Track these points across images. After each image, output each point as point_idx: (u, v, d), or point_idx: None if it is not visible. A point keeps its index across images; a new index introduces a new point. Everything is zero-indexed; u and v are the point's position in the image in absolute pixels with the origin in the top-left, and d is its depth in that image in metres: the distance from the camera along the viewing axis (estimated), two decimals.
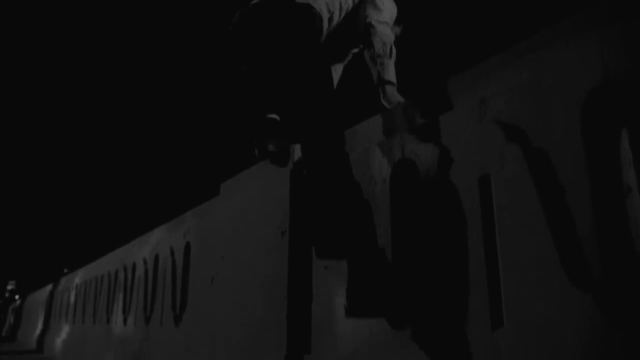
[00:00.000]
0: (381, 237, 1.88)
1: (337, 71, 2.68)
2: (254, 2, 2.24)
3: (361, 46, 2.52)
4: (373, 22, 2.32)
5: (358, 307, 1.82)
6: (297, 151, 2.37)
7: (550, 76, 1.43)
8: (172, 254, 3.81)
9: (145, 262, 4.46)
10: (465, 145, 1.61)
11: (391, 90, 2.28)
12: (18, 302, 15.86)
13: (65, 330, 7.38)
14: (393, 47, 2.36)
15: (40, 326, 9.83)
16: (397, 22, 2.56)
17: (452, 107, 1.71)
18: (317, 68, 2.08)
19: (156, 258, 4.18)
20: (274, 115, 2.35)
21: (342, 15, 2.34)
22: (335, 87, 2.52)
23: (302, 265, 2.24)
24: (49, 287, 9.96)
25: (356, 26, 2.38)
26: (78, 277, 7.44)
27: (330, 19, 2.28)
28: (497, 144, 1.50)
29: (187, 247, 3.60)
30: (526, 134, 1.44)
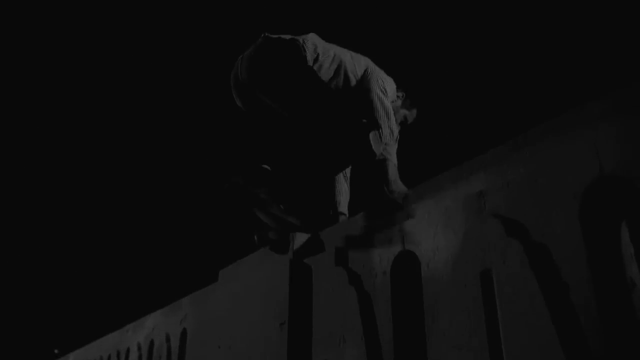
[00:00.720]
0: (382, 329, 1.84)
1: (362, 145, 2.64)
2: (247, 52, 2.38)
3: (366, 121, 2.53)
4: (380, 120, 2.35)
5: None
6: (297, 239, 2.36)
7: (547, 171, 1.45)
8: (168, 340, 3.71)
9: (139, 348, 4.33)
10: (466, 239, 1.61)
11: (393, 174, 2.28)
12: None
13: None
14: (398, 134, 2.40)
15: None
16: (412, 105, 2.61)
17: (451, 200, 1.72)
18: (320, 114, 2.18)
19: (151, 344, 4.06)
20: (265, 166, 2.36)
21: (334, 65, 2.40)
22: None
23: (301, 357, 2.18)
24: None
25: (362, 100, 2.43)
26: None
27: (316, 60, 2.35)
28: (498, 238, 1.50)
29: (184, 333, 3.51)
30: (526, 229, 1.45)
